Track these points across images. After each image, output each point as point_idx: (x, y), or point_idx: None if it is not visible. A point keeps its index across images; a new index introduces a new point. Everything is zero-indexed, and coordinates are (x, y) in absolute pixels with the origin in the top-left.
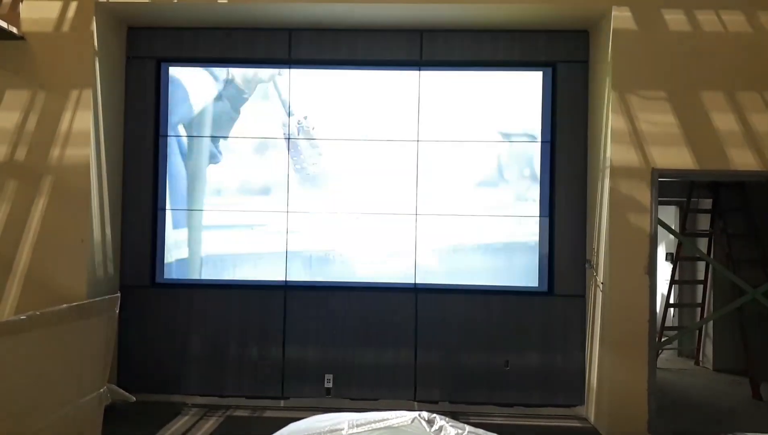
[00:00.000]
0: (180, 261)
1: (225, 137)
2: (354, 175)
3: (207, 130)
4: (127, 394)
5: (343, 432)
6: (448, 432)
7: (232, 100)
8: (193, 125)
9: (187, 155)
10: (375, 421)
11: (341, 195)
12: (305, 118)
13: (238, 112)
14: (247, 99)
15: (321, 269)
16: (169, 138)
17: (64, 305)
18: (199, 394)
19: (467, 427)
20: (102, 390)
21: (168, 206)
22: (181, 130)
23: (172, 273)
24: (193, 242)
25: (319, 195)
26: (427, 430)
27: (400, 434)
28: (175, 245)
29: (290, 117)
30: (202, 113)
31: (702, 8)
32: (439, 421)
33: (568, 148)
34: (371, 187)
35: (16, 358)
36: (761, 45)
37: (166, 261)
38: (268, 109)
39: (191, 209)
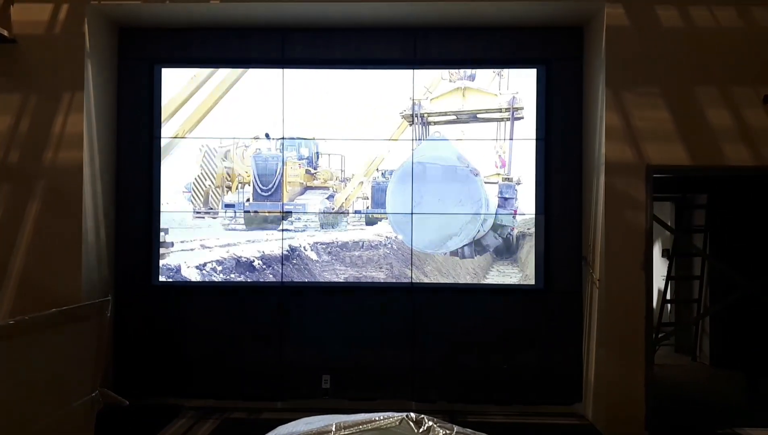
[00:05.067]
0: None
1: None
2: (348, 173)
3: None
4: (119, 398)
5: (331, 434)
6: (437, 432)
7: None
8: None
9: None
10: (363, 423)
11: (337, 194)
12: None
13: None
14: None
15: (319, 271)
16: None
17: (53, 309)
18: (196, 396)
19: (456, 428)
20: (93, 394)
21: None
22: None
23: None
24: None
25: (315, 194)
26: (415, 431)
27: None
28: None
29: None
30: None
31: (695, 4)
32: (427, 421)
33: (562, 145)
34: (367, 186)
35: (4, 363)
36: (754, 40)
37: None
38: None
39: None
